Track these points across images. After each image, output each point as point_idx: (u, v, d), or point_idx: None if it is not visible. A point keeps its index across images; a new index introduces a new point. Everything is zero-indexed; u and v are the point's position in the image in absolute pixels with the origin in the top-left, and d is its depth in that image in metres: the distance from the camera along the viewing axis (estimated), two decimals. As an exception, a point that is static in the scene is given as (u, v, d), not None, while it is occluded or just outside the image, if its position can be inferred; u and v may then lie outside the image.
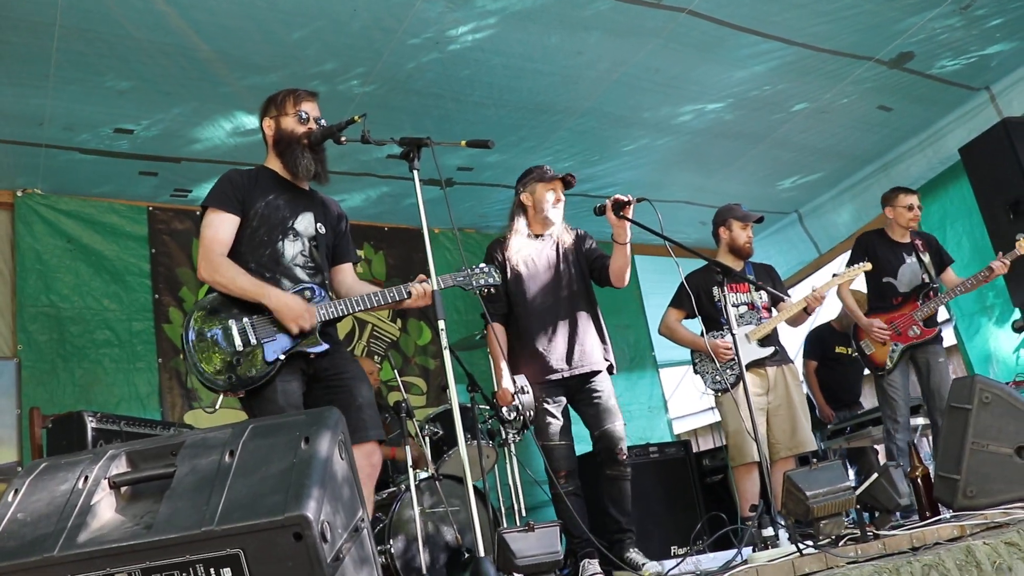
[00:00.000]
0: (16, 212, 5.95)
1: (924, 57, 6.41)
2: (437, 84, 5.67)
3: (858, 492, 3.39)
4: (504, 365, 4.55)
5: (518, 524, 4.83)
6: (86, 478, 2.08)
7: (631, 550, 4.39)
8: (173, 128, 5.67)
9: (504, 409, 4.52)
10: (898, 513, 3.93)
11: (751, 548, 3.47)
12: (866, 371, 6.81)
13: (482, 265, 3.93)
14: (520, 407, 4.42)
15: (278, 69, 5.22)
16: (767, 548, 3.43)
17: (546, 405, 4.59)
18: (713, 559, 3.20)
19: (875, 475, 3.54)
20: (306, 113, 3.73)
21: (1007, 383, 6.70)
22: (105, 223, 6.26)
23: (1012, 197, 6.37)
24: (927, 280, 6.02)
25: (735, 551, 3.23)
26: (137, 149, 5.81)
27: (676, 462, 6.68)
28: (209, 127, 5.72)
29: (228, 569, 1.85)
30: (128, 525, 1.97)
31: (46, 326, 5.81)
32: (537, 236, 4.87)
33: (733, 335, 4.29)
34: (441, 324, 3.24)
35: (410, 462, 4.48)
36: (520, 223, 4.86)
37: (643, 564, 4.22)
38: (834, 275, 5.60)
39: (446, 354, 3.13)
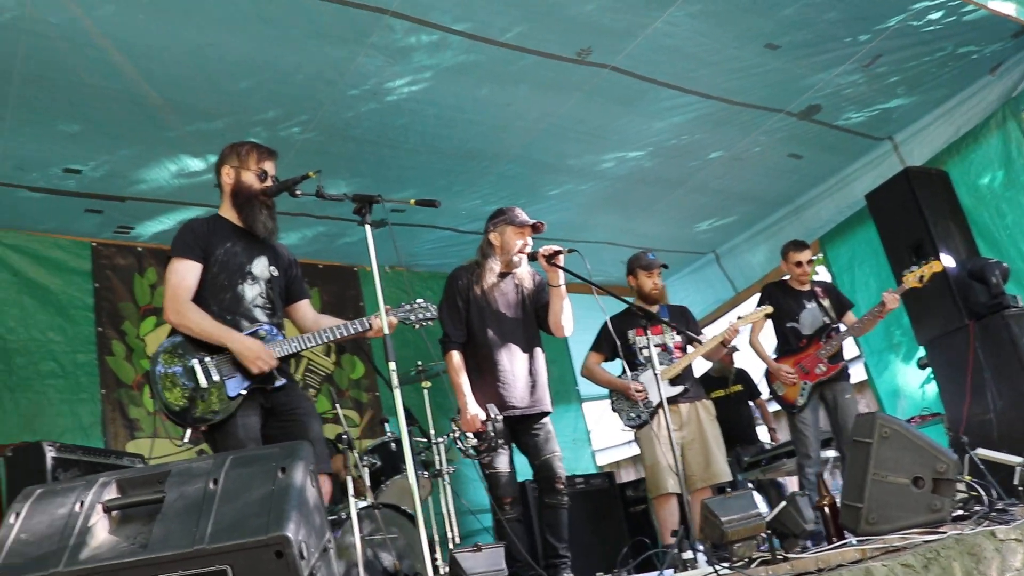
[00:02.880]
0: (-37, 247, 6.08)
1: (831, 109, 6.83)
2: (374, 132, 5.95)
3: (768, 518, 3.76)
4: (468, 389, 4.81)
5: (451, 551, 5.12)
6: (82, 503, 2.35)
7: (565, 573, 4.70)
8: (119, 169, 5.86)
9: (469, 435, 4.73)
10: (808, 539, 4.30)
11: (672, 570, 3.80)
12: (774, 407, 7.26)
13: (420, 300, 4.21)
14: (492, 434, 4.65)
15: (223, 116, 5.48)
16: (687, 570, 3.78)
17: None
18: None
19: (783, 503, 3.92)
20: (266, 172, 4.01)
21: (912, 417, 7.22)
22: (50, 258, 6.41)
23: (914, 240, 6.77)
24: (828, 323, 6.46)
25: (657, 573, 3.54)
26: (84, 188, 5.99)
27: (601, 492, 7.06)
28: (154, 168, 5.93)
29: (216, 582, 2.14)
30: (123, 544, 2.25)
31: (-8, 357, 5.95)
32: (502, 275, 5.11)
33: (656, 374, 4.65)
34: (392, 365, 3.53)
35: (351, 491, 4.73)
36: (492, 260, 5.07)
37: None
38: (739, 317, 5.96)
39: (396, 393, 3.42)
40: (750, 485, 7.21)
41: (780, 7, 5.45)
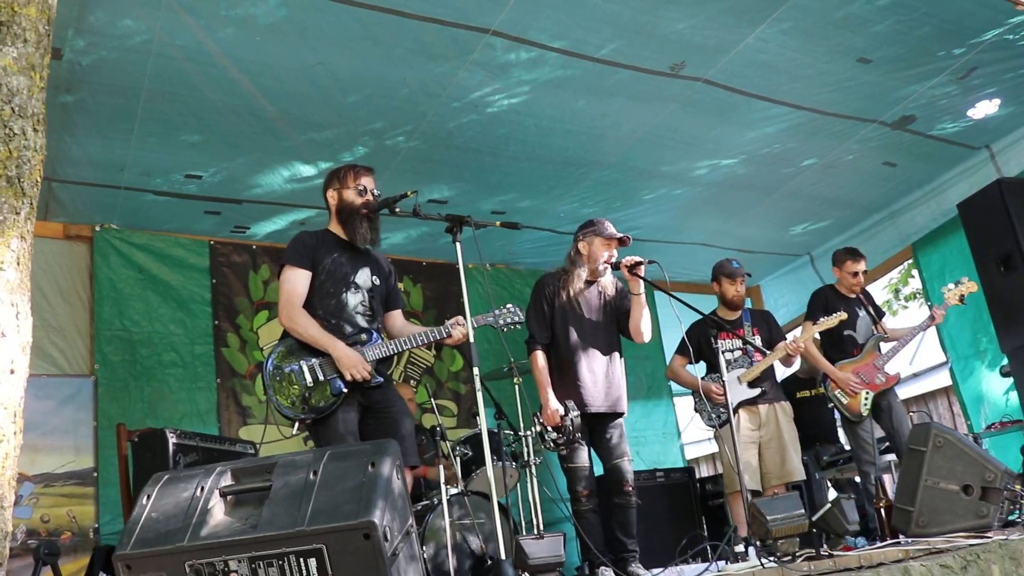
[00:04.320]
0: (94, 245, 6.62)
1: (925, 120, 6.85)
2: (475, 141, 6.26)
3: (814, 518, 3.97)
4: (549, 388, 5.15)
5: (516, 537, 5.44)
6: (202, 488, 2.72)
7: (633, 564, 4.98)
8: (236, 175, 6.31)
9: (550, 428, 5.06)
10: (863, 539, 4.47)
11: (724, 562, 4.04)
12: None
13: (508, 306, 4.54)
14: (571, 427, 4.96)
15: (333, 127, 5.86)
16: (737, 563, 4.02)
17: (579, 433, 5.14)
18: (694, 570, 3.75)
19: (828, 505, 4.13)
20: (364, 186, 4.38)
21: (993, 424, 7.24)
22: (172, 255, 6.91)
23: (1004, 252, 6.76)
24: (876, 332, 6.55)
25: (707, 564, 3.77)
26: (204, 192, 6.47)
27: (681, 486, 7.27)
28: (269, 174, 6.36)
29: (314, 559, 2.47)
30: (236, 524, 2.60)
31: (119, 348, 6.46)
32: (587, 282, 5.42)
33: (723, 381, 4.86)
34: (476, 371, 3.84)
35: (443, 479, 5.06)
36: (579, 268, 5.39)
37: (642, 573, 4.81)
38: (814, 323, 6.10)
39: (479, 395, 3.74)
40: (828, 483, 7.34)
41: (872, 23, 5.53)
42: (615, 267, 5.17)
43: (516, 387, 6.20)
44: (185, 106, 5.41)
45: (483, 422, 3.74)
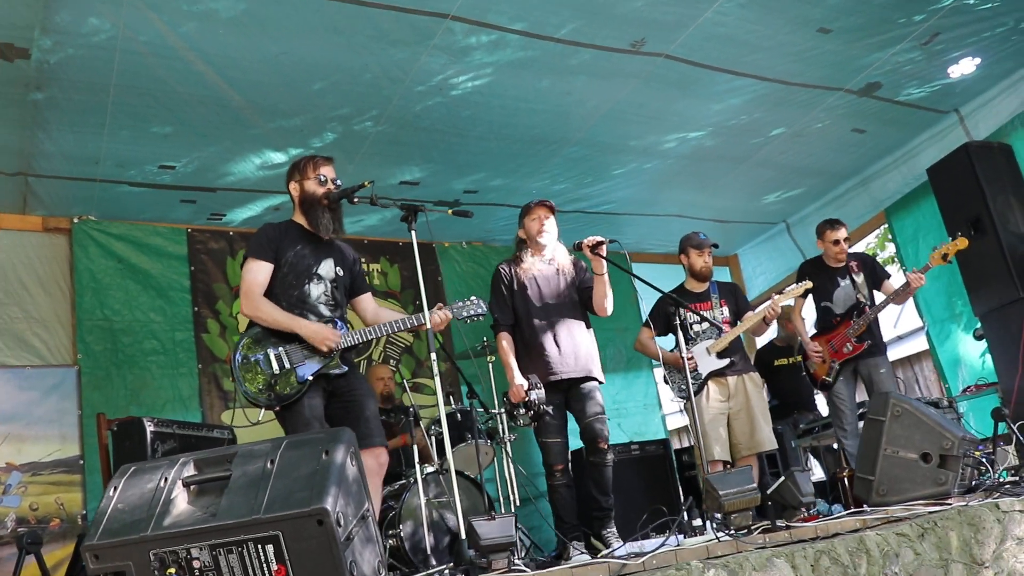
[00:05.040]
0: (73, 236, 6.73)
1: (891, 86, 6.93)
2: (442, 123, 6.35)
3: (769, 491, 4.10)
4: (514, 364, 5.32)
5: (511, 511, 5.59)
6: (165, 479, 2.84)
7: (607, 529, 5.15)
8: (209, 163, 6.41)
9: (518, 404, 5.22)
10: (839, 506, 4.58)
11: (682, 535, 4.17)
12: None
13: (472, 298, 4.66)
14: (534, 401, 5.13)
15: (301, 114, 5.96)
16: (694, 536, 4.16)
17: (545, 406, 5.29)
18: (654, 543, 3.88)
19: (782, 478, 4.26)
20: (324, 176, 4.47)
21: (969, 387, 7.36)
22: (150, 244, 7.02)
23: (973, 215, 6.91)
24: (860, 300, 6.60)
25: (664, 539, 3.89)
26: (178, 181, 6.57)
27: (656, 458, 7.39)
28: (241, 162, 6.46)
29: (271, 546, 2.60)
30: (198, 513, 2.73)
31: (101, 337, 6.58)
32: (539, 262, 5.57)
33: (681, 353, 4.97)
34: (433, 356, 3.99)
35: (417, 458, 5.20)
36: (525, 253, 5.60)
37: (613, 543, 4.96)
38: (777, 294, 6.11)
39: (436, 380, 3.88)
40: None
41: (829, -6, 5.58)
42: (577, 248, 5.29)
43: (490, 365, 6.32)
44: (154, 99, 5.50)
45: (441, 407, 3.88)
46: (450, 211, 4.58)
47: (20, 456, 6.16)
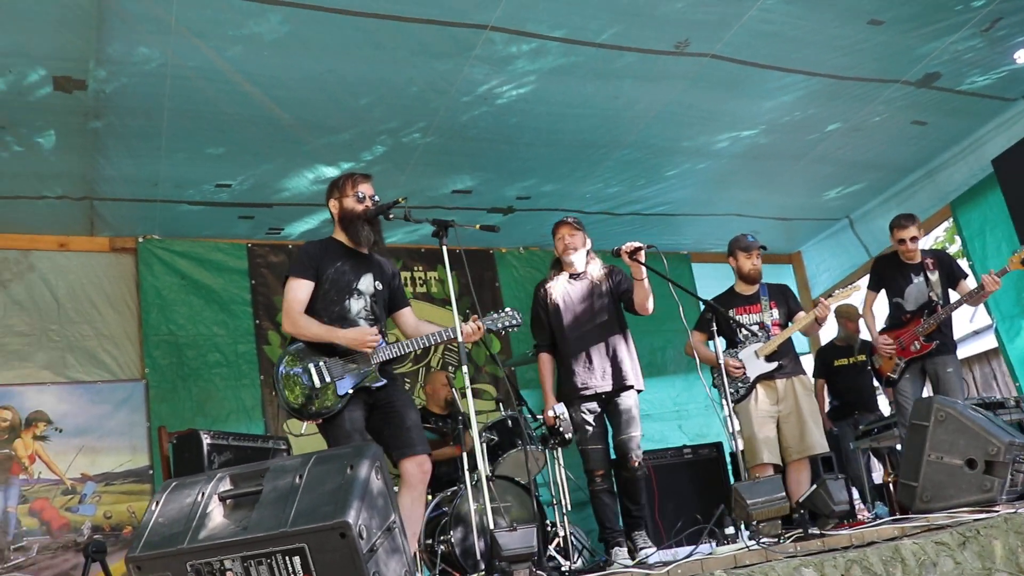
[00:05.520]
0: (138, 255, 6.98)
1: (952, 76, 6.73)
2: (489, 131, 6.41)
3: (801, 499, 4.06)
4: (549, 388, 5.60)
5: (564, 517, 5.66)
6: (203, 494, 2.96)
7: (636, 532, 5.30)
8: (264, 180, 6.58)
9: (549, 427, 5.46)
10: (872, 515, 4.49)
11: (714, 543, 4.17)
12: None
13: (507, 309, 4.74)
14: (560, 428, 5.36)
15: (349, 129, 6.08)
16: (726, 544, 4.15)
17: (584, 415, 5.47)
18: (687, 551, 3.87)
19: (814, 486, 4.21)
20: (363, 193, 4.58)
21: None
22: (212, 260, 7.23)
23: (1041, 206, 6.67)
24: (933, 298, 6.44)
25: (694, 547, 3.89)
26: (235, 199, 6.76)
27: (710, 462, 7.39)
28: (294, 178, 6.62)
29: (298, 557, 2.69)
30: (231, 527, 2.84)
31: (167, 351, 6.81)
32: (572, 276, 5.75)
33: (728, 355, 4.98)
34: (464, 369, 4.10)
35: (466, 465, 5.27)
36: (558, 271, 5.81)
37: (641, 547, 5.11)
38: (827, 296, 6.06)
39: (468, 392, 3.97)
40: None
41: (879, -16, 5.48)
42: (615, 254, 5.33)
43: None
44: (206, 121, 5.68)
45: (474, 424, 3.96)
46: (478, 226, 4.72)
47: (94, 467, 6.44)
